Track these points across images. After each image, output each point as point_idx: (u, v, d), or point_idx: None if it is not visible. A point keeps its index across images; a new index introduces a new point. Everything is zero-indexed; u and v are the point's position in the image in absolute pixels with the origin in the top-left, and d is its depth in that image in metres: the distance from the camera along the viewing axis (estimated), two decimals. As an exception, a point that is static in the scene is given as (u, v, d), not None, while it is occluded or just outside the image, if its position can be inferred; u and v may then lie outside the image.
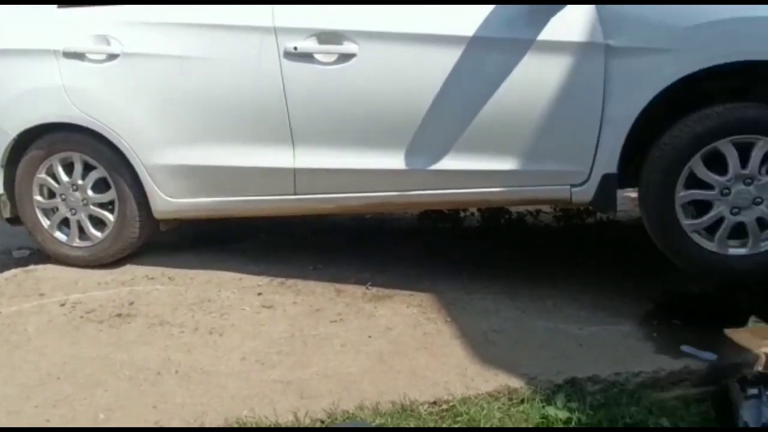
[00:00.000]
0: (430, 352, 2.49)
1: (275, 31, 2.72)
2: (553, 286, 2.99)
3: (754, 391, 2.19)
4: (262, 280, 3.12)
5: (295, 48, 2.71)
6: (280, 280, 3.12)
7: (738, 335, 2.63)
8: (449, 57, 2.59)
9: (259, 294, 3.00)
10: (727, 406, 2.25)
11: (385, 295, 2.95)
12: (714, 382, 2.40)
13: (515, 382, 2.30)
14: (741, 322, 2.72)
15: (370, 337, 2.62)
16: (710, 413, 2.33)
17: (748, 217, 2.47)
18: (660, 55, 2.39)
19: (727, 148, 2.42)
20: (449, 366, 2.40)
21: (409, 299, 2.90)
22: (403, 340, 2.58)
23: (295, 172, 2.87)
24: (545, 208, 3.81)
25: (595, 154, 2.53)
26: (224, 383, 2.37)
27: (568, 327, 2.66)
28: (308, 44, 2.71)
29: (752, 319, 2.74)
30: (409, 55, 2.64)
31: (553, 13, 2.46)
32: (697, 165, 2.45)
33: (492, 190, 2.74)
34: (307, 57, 2.71)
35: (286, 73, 2.74)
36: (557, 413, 2.19)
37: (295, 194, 2.92)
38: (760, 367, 2.47)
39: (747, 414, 2.14)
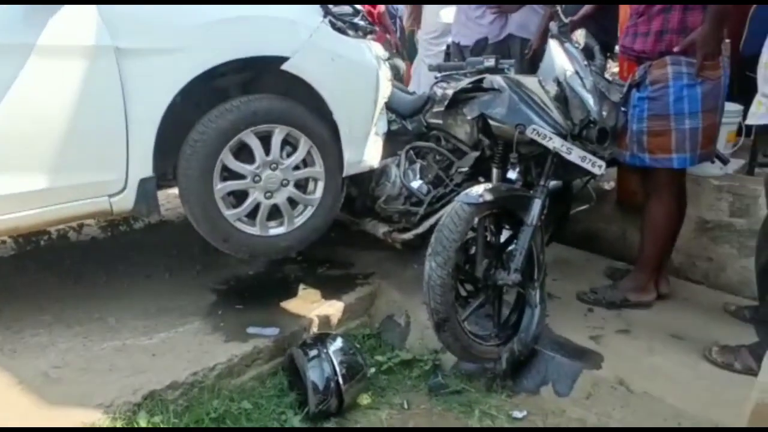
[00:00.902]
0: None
1: None
2: (113, 302, 2.90)
3: (314, 352, 2.53)
4: None
5: None
6: None
7: (292, 304, 2.98)
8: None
9: None
10: (297, 372, 2.54)
11: None
12: (282, 354, 2.69)
13: (91, 416, 2.18)
14: (293, 292, 3.10)
15: None
16: (284, 383, 2.61)
17: (279, 199, 2.77)
18: (173, 55, 2.45)
19: (250, 138, 2.66)
20: (10, 423, 2.13)
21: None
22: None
23: None
24: (89, 220, 3.63)
25: (127, 160, 2.47)
26: None
27: (137, 340, 2.63)
28: None
29: (301, 287, 3.14)
30: None
31: (50, 15, 2.28)
32: (227, 157, 2.62)
33: (21, 215, 2.43)
34: None
35: None
36: (141, 435, 2.16)
37: None
38: (315, 329, 2.85)
39: (313, 374, 2.45)
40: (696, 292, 3.25)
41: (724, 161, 3.12)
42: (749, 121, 2.64)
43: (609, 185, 2.84)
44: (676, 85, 2.69)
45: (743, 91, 3.37)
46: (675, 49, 2.68)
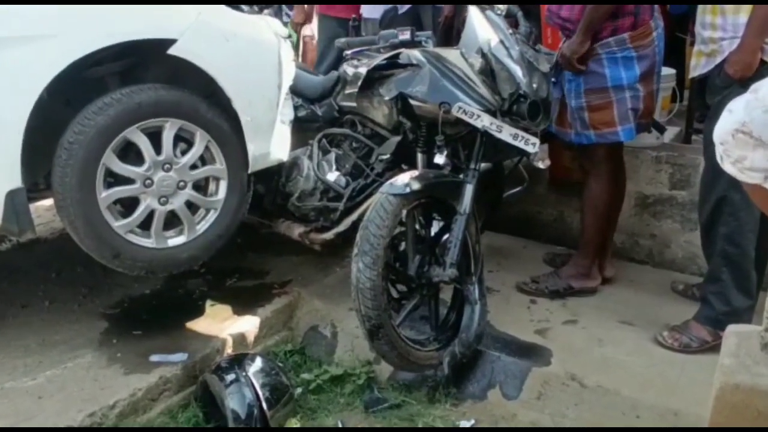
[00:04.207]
0: None
1: None
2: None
3: (231, 376, 2.48)
4: None
5: None
6: None
7: (200, 324, 2.92)
8: None
9: None
10: (214, 401, 2.49)
11: None
12: (193, 382, 2.62)
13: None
14: (200, 311, 3.03)
15: None
16: (199, 415, 2.55)
17: (177, 204, 2.69)
18: (36, 44, 2.33)
19: (136, 136, 2.57)
20: None
21: None
22: None
23: None
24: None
25: (-11, 171, 2.35)
26: None
27: (18, 382, 2.50)
28: None
29: (209, 303, 3.07)
30: None
31: None
32: (111, 160, 2.53)
33: None
34: None
35: None
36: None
37: None
38: (229, 350, 2.80)
39: (232, 401, 2.41)
40: (641, 272, 3.40)
41: (661, 130, 3.27)
42: (692, 75, 2.80)
43: (544, 164, 2.92)
44: (611, 66, 2.83)
45: (673, 51, 3.55)
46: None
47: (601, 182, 3.02)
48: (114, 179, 2.58)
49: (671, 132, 3.61)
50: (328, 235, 3.03)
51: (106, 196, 2.55)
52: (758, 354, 1.62)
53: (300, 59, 5.05)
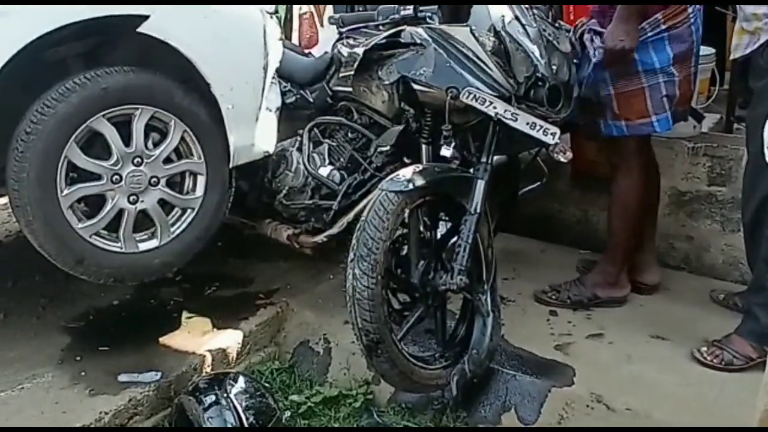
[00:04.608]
0: None
1: None
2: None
3: (210, 398, 2.49)
4: None
5: None
6: None
7: (175, 339, 2.93)
8: None
9: None
10: (192, 426, 2.49)
11: None
12: (168, 404, 2.63)
13: None
14: (175, 324, 3.04)
15: None
16: (174, 442, 2.56)
17: (149, 203, 2.70)
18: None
19: (103, 125, 2.58)
20: None
21: None
22: None
23: None
24: None
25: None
26: None
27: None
28: None
29: (185, 316, 3.07)
30: None
31: None
32: (74, 153, 2.54)
33: None
34: None
35: None
36: None
37: None
38: (208, 369, 2.80)
39: (213, 424, 2.41)
40: (676, 279, 3.40)
41: (699, 118, 3.27)
42: (734, 56, 2.80)
43: (565, 157, 2.92)
44: (639, 50, 2.81)
45: (713, 29, 3.54)
46: None
47: (631, 178, 3.00)
48: (77, 175, 2.59)
49: (710, 120, 3.62)
50: (321, 238, 3.04)
51: (68, 193, 2.56)
52: (808, 373, 1.62)
53: (298, 40, 5.04)
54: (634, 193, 3.02)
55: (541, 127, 2.64)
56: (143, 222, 2.74)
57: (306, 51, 3.89)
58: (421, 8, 2.95)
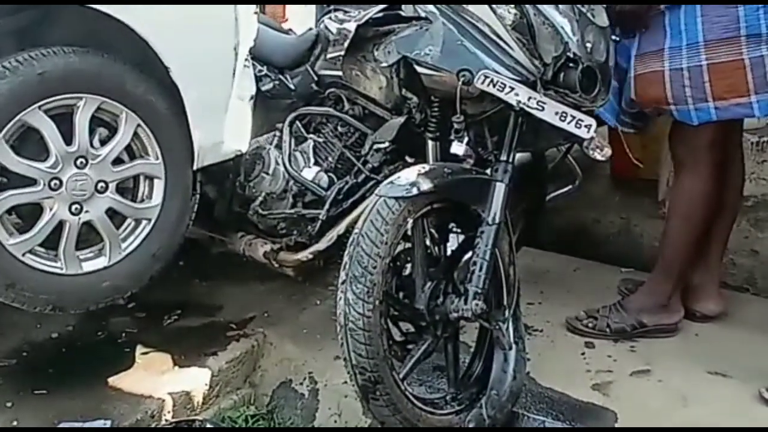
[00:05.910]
0: None
1: None
2: None
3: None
4: None
5: None
6: None
7: (128, 380, 2.92)
8: None
9: None
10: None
11: None
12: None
13: None
14: (128, 360, 3.03)
15: None
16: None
17: (95, 213, 2.69)
18: None
19: (38, 119, 2.57)
20: None
21: None
22: None
23: None
24: None
25: None
26: None
27: None
28: None
29: (140, 350, 3.06)
30: None
31: None
32: (3, 153, 2.53)
33: None
34: None
35: None
36: None
37: None
38: (169, 415, 2.79)
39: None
40: (739, 303, 3.39)
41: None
42: None
43: (602, 155, 2.90)
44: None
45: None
46: None
47: (699, 179, 2.94)
48: (7, 180, 2.59)
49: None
50: (305, 255, 3.04)
51: (-4, 202, 2.56)
52: None
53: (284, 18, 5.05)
54: (701, 198, 2.96)
55: (573, 117, 2.63)
56: (88, 237, 2.74)
57: (286, 28, 3.90)
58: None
